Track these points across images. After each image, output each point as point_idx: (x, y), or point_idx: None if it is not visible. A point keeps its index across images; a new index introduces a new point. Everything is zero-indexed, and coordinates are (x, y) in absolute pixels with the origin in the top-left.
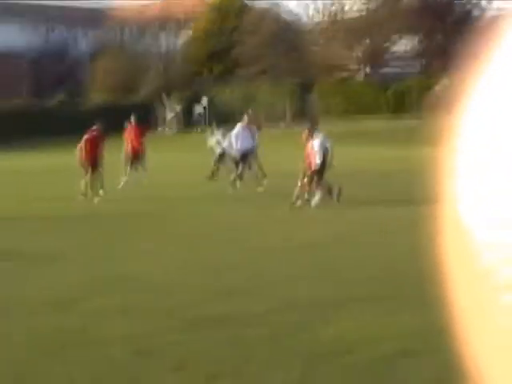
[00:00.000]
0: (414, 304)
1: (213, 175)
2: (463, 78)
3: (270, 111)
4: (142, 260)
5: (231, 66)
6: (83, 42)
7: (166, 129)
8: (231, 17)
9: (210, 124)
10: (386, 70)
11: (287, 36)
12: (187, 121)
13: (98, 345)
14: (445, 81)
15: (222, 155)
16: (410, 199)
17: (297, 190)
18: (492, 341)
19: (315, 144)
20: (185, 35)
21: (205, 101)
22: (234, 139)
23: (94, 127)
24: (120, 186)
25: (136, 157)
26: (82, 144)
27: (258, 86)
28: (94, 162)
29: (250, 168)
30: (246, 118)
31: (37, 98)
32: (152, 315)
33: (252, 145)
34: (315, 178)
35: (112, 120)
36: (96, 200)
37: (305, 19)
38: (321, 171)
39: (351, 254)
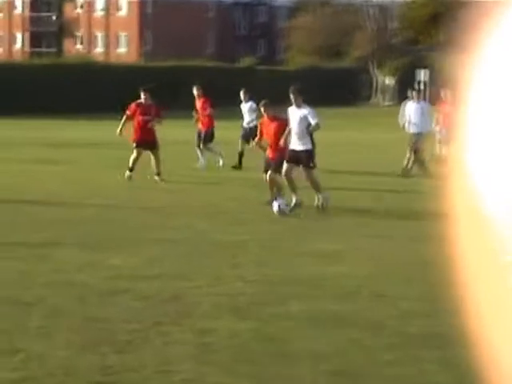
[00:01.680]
0: None
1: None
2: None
3: None
4: (332, 261)
5: (457, 32)
6: None
7: (380, 100)
8: None
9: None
10: None
11: None
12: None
13: (284, 359)
14: None
15: (245, 135)
16: None
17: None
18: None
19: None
20: None
21: (422, 74)
22: (400, 118)
23: (142, 97)
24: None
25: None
26: (124, 118)
27: None
28: (141, 139)
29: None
30: (414, 94)
31: (224, 59)
32: (352, 327)
33: (425, 127)
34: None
35: (315, 87)
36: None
37: None
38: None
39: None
